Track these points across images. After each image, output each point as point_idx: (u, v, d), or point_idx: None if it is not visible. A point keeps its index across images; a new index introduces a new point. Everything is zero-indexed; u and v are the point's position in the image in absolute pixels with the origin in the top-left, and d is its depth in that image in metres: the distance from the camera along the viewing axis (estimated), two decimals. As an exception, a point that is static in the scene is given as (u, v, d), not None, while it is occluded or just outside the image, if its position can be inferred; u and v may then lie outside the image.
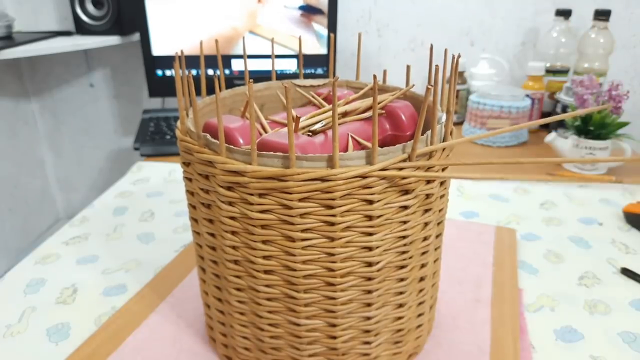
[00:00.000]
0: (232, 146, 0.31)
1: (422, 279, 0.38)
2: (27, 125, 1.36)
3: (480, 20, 1.24)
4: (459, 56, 0.35)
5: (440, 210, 0.37)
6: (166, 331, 0.45)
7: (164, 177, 0.83)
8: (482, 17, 1.24)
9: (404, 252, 0.34)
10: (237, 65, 1.04)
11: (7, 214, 1.31)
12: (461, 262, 0.56)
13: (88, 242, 0.62)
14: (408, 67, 0.41)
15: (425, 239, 0.36)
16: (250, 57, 1.02)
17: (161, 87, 1.06)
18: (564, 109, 0.99)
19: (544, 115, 1.07)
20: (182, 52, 0.35)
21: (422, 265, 0.38)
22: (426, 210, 0.35)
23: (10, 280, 0.54)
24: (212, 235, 0.35)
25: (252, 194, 0.30)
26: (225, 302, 0.38)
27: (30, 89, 1.36)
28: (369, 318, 0.36)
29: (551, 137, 0.87)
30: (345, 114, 0.40)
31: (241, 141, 0.35)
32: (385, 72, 0.45)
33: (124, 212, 0.70)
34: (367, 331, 0.36)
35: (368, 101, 0.41)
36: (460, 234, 0.62)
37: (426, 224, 0.35)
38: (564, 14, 1.10)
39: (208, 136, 0.32)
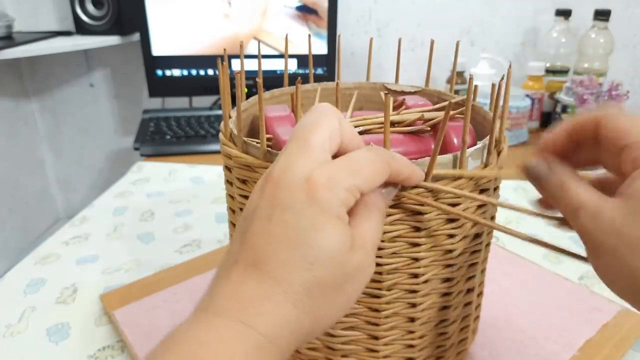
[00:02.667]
0: (272, 150, 0.30)
1: (469, 291, 0.37)
2: (27, 125, 1.36)
3: (480, 20, 1.24)
4: (509, 66, 0.34)
5: (492, 218, 0.36)
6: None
7: (164, 177, 0.83)
8: (482, 17, 1.24)
9: (449, 265, 0.33)
10: (238, 65, 1.04)
11: (7, 214, 1.31)
12: (541, 329, 0.45)
13: (88, 242, 0.62)
14: (471, 78, 0.40)
15: (474, 252, 0.35)
16: (251, 57, 1.02)
17: (161, 87, 1.06)
18: (564, 109, 0.99)
19: (544, 115, 1.07)
20: (225, 50, 0.35)
21: (469, 278, 0.36)
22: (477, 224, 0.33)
23: (10, 280, 0.54)
24: None
25: None
26: None
27: (30, 89, 1.36)
28: (412, 332, 0.34)
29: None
30: (393, 124, 0.37)
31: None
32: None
33: (124, 212, 0.70)
34: (411, 346, 0.35)
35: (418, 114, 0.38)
36: (566, 298, 0.49)
37: (477, 235, 0.34)
38: (564, 14, 1.10)
39: (248, 140, 0.31)
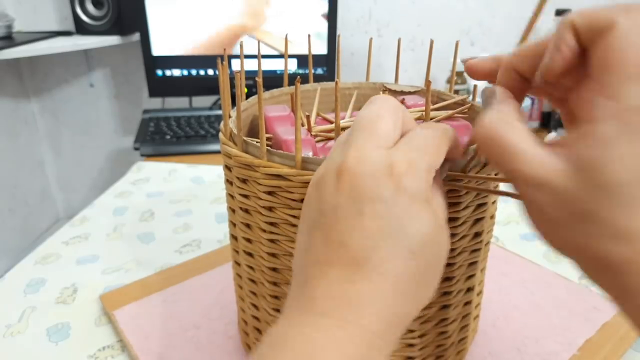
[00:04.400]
0: (272, 149, 0.30)
1: (469, 290, 0.37)
2: (27, 125, 1.36)
3: (480, 20, 1.24)
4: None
5: (491, 217, 0.36)
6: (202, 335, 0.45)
7: (164, 177, 0.83)
8: (482, 17, 1.24)
9: (449, 264, 0.33)
10: (237, 65, 1.04)
11: (7, 214, 1.31)
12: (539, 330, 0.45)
13: (88, 242, 0.62)
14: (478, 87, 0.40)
15: (474, 250, 0.35)
16: (251, 57, 1.02)
17: (161, 87, 1.06)
18: (564, 109, 0.99)
19: (544, 115, 1.07)
20: (224, 50, 0.35)
21: (469, 277, 0.36)
22: (477, 220, 0.34)
23: (10, 280, 0.54)
24: (249, 240, 0.35)
25: (294, 199, 0.29)
26: (261, 310, 0.37)
27: (30, 89, 1.36)
28: (412, 331, 0.34)
29: (551, 136, 0.87)
30: None
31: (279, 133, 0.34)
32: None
33: (124, 212, 0.70)
34: (411, 345, 0.35)
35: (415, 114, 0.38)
36: (566, 298, 0.50)
37: (477, 233, 0.34)
38: (564, 14, 1.10)
39: (248, 140, 0.32)
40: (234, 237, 0.38)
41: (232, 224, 0.37)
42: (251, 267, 0.36)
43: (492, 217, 0.36)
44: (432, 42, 0.42)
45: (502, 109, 0.22)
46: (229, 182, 0.36)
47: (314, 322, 0.20)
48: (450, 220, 0.31)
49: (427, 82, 0.28)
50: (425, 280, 0.22)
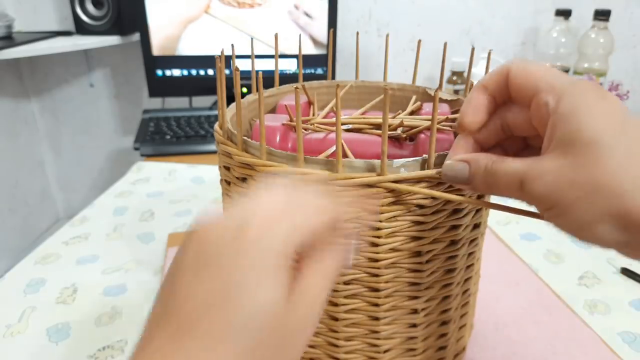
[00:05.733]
0: (273, 149, 0.30)
1: (467, 280, 0.37)
2: (27, 125, 1.36)
3: (480, 20, 1.24)
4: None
5: (486, 209, 0.36)
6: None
7: (164, 177, 0.83)
8: (482, 16, 1.24)
9: (452, 257, 0.34)
10: (239, 65, 1.04)
11: (7, 214, 1.31)
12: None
13: (88, 242, 0.62)
14: (436, 92, 0.40)
15: (473, 240, 0.35)
16: (246, 57, 1.02)
17: (161, 87, 1.06)
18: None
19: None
20: (222, 51, 0.35)
21: (468, 267, 0.37)
22: (477, 211, 0.34)
23: (10, 280, 0.54)
24: None
25: None
26: None
27: (30, 89, 1.36)
28: (414, 325, 0.35)
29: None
30: (379, 126, 0.37)
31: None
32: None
33: (124, 212, 0.70)
34: (412, 349, 0.36)
35: (411, 119, 0.38)
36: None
37: (476, 225, 0.35)
38: (564, 14, 1.10)
39: (248, 139, 0.31)
40: None
41: None
42: None
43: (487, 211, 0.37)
44: (419, 43, 0.42)
45: (482, 157, 0.26)
46: (226, 182, 0.36)
47: None
48: (456, 211, 0.31)
49: (437, 91, 0.28)
50: (270, 353, 0.20)
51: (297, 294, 0.21)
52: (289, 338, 0.20)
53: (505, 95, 0.26)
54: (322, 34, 1.04)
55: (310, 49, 1.05)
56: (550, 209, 0.23)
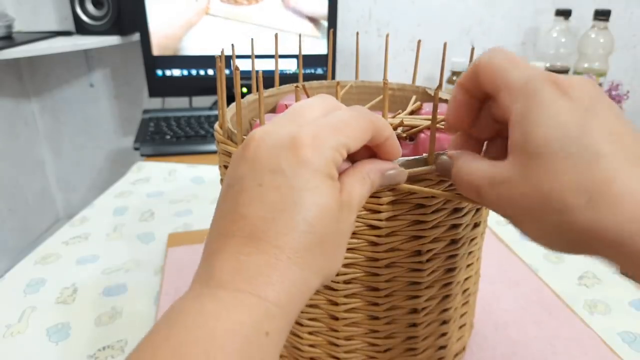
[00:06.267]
0: None
1: (467, 279, 0.37)
2: (27, 126, 1.36)
3: (480, 19, 1.24)
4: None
5: (486, 208, 0.36)
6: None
7: (164, 177, 0.83)
8: (482, 16, 1.24)
9: (452, 256, 0.34)
10: (240, 65, 1.04)
11: (7, 214, 1.31)
12: None
13: (88, 242, 0.62)
14: (437, 92, 0.40)
15: (473, 239, 0.35)
16: (247, 57, 1.01)
17: (161, 87, 1.06)
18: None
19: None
20: (222, 51, 0.35)
21: (468, 266, 0.37)
22: (477, 210, 0.34)
23: (10, 280, 0.54)
24: None
25: None
26: None
27: (30, 89, 1.35)
28: (415, 325, 0.35)
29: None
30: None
31: None
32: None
33: (124, 212, 0.70)
34: (412, 349, 0.36)
35: (410, 119, 0.38)
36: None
37: (476, 224, 0.35)
38: (564, 14, 1.10)
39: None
40: None
41: None
42: None
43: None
44: (419, 43, 0.42)
45: (459, 155, 0.26)
46: None
47: (209, 294, 0.20)
48: (456, 210, 0.31)
49: (437, 90, 0.28)
50: (325, 252, 0.22)
51: (344, 197, 0.23)
52: (342, 234, 0.23)
53: (482, 90, 0.26)
54: (315, 8, 1.04)
55: (310, 49, 1.05)
56: (507, 218, 0.23)
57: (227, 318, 0.19)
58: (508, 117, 0.22)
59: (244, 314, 0.20)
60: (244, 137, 0.26)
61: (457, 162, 0.25)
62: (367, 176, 0.25)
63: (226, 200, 0.23)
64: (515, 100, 0.22)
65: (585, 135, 0.20)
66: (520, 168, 0.21)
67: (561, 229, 0.20)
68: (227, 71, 1.05)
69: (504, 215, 0.23)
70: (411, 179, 0.28)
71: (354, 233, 0.30)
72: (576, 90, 0.21)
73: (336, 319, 0.34)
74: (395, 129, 0.37)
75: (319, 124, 0.23)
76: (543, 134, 0.20)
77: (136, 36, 1.15)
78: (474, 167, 0.24)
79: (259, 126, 0.30)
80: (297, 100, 0.28)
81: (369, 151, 0.26)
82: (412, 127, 0.36)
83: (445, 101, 0.43)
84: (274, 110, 0.45)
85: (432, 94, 0.44)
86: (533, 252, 0.58)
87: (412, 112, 0.42)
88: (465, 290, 0.38)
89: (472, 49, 0.40)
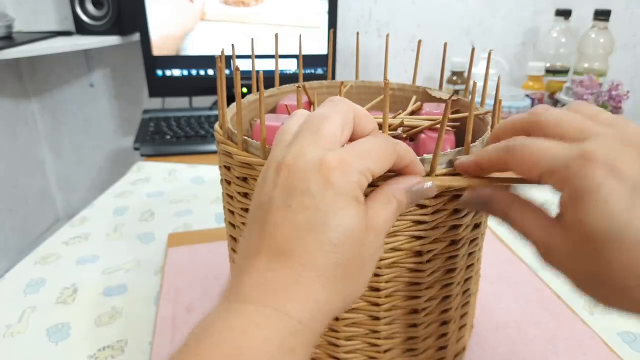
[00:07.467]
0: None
1: (467, 279, 0.37)
2: (27, 125, 1.36)
3: (480, 20, 1.24)
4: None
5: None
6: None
7: (164, 177, 0.83)
8: (482, 16, 1.24)
9: (453, 257, 0.34)
10: (240, 65, 1.04)
11: (7, 214, 1.31)
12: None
13: (88, 242, 0.62)
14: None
15: (473, 240, 0.35)
16: (247, 57, 1.01)
17: (161, 87, 1.06)
18: (564, 109, 0.99)
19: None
20: (222, 51, 0.35)
21: (468, 266, 0.37)
22: (477, 211, 0.34)
23: (10, 280, 0.54)
24: None
25: None
26: None
27: (30, 89, 1.35)
28: (415, 325, 0.35)
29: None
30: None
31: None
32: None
33: (124, 212, 0.70)
34: (412, 349, 0.36)
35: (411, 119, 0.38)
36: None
37: (476, 225, 0.35)
38: (564, 14, 1.10)
39: (249, 139, 0.31)
40: (232, 238, 0.38)
41: (231, 225, 0.37)
42: None
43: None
44: (419, 43, 0.42)
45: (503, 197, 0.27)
46: (226, 182, 0.35)
47: (236, 309, 0.21)
48: (456, 211, 0.31)
49: (452, 95, 0.28)
50: (348, 274, 0.23)
51: (370, 220, 0.24)
52: (367, 258, 0.24)
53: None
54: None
55: (311, 48, 1.05)
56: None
57: (253, 334, 0.20)
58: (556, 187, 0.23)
59: (270, 330, 0.20)
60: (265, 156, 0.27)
61: (512, 209, 0.26)
62: (392, 197, 0.26)
63: (255, 221, 0.24)
64: (566, 184, 0.22)
65: (634, 219, 0.20)
66: (576, 245, 0.22)
67: (623, 307, 0.23)
68: (227, 71, 1.05)
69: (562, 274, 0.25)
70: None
71: None
72: (624, 163, 0.21)
73: (336, 319, 0.34)
74: (395, 129, 0.37)
75: (346, 149, 0.24)
76: (593, 222, 0.21)
77: (136, 36, 1.15)
78: (527, 221, 0.25)
79: (259, 126, 0.30)
80: (297, 100, 0.28)
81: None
82: (413, 127, 0.36)
83: (445, 101, 0.43)
84: (274, 110, 0.45)
85: (432, 94, 0.44)
86: (533, 252, 0.58)
87: (412, 112, 0.42)
88: (465, 291, 0.38)
89: (472, 49, 0.40)
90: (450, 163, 0.29)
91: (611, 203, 0.20)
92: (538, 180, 0.24)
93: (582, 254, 0.22)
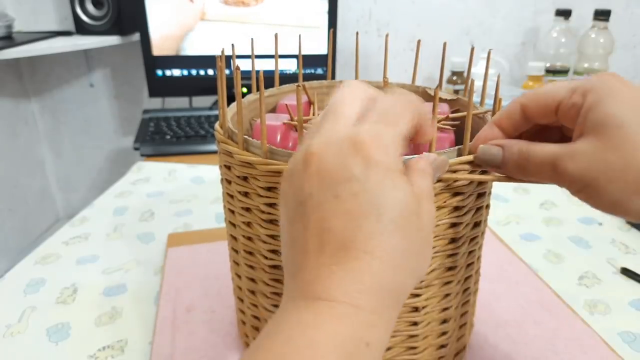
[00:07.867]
0: (274, 147, 0.30)
1: (467, 278, 0.37)
2: (27, 125, 1.36)
3: (480, 20, 1.24)
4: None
5: (486, 207, 0.36)
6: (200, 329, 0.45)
7: (164, 177, 0.83)
8: (482, 16, 1.24)
9: (453, 255, 0.34)
10: (240, 65, 1.04)
11: (7, 214, 1.31)
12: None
13: (88, 242, 0.62)
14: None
15: (473, 238, 0.35)
16: (247, 57, 1.01)
17: (161, 87, 1.06)
18: (564, 109, 0.99)
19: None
20: (222, 51, 0.35)
21: (469, 265, 0.37)
22: (477, 209, 0.34)
23: (10, 280, 0.54)
24: (250, 239, 0.35)
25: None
26: (261, 309, 0.37)
27: (30, 89, 1.35)
28: (415, 323, 0.35)
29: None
30: None
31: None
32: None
33: (124, 212, 0.70)
34: (412, 347, 0.36)
35: None
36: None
37: (476, 223, 0.35)
38: (564, 14, 1.10)
39: (249, 138, 0.31)
40: (233, 237, 0.38)
41: (231, 225, 0.37)
42: (251, 267, 0.36)
43: (487, 206, 0.37)
44: (419, 43, 0.42)
45: (516, 142, 0.28)
46: (227, 181, 0.35)
47: (305, 306, 0.21)
48: (456, 209, 0.31)
49: (436, 89, 0.28)
50: (414, 249, 0.22)
51: (416, 193, 0.23)
52: (426, 227, 0.23)
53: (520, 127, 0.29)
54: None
55: (311, 48, 1.05)
56: (583, 189, 0.25)
57: (326, 329, 0.19)
58: (576, 113, 0.26)
59: (343, 324, 0.20)
60: (292, 151, 0.26)
61: (519, 146, 0.27)
62: (423, 170, 0.25)
63: (298, 220, 0.22)
64: (588, 94, 0.26)
65: None
66: (603, 140, 0.24)
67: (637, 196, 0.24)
68: (227, 71, 1.05)
69: (579, 187, 0.25)
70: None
71: None
72: (630, 84, 0.26)
73: None
74: None
75: (374, 121, 0.22)
76: (623, 109, 0.24)
77: (136, 36, 1.15)
78: (541, 148, 0.26)
79: (260, 126, 0.30)
80: (297, 100, 0.28)
81: None
82: None
83: (445, 101, 0.43)
84: (274, 110, 0.45)
85: (432, 94, 0.44)
86: (533, 252, 0.58)
87: None
88: (465, 290, 0.38)
89: (472, 49, 0.40)
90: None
91: (634, 100, 0.25)
92: (554, 113, 0.27)
93: (610, 145, 0.24)
